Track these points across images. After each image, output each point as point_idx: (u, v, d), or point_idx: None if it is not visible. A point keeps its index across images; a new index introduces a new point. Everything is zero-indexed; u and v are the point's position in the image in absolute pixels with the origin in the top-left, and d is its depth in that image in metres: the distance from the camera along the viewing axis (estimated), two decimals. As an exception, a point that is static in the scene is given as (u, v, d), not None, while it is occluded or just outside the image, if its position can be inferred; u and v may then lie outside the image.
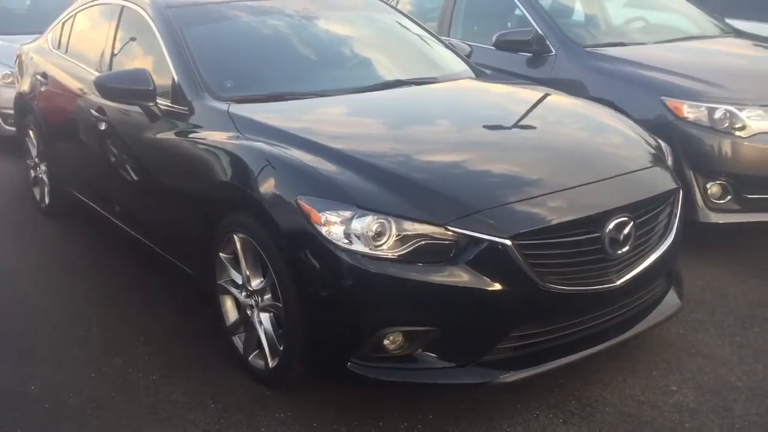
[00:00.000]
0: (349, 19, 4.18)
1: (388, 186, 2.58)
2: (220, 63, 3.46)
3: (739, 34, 5.36)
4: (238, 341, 3.01)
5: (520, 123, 3.33)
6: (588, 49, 4.78)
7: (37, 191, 5.05)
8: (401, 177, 2.63)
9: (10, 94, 6.08)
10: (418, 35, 4.18)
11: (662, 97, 4.11)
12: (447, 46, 4.19)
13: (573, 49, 4.79)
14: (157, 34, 3.54)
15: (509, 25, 5.53)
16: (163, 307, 3.59)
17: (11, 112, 5.98)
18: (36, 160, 4.97)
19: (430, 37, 4.24)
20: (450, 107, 3.47)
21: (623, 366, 2.98)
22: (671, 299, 3.04)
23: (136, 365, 3.08)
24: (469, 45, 4.43)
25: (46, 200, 4.89)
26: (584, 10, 5.70)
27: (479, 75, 3.92)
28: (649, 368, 2.98)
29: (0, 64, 6.61)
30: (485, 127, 3.24)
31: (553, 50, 4.84)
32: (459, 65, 3.99)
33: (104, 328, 3.41)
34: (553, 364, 2.64)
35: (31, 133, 4.98)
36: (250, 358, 2.93)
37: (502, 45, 5.03)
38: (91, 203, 4.26)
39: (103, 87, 3.39)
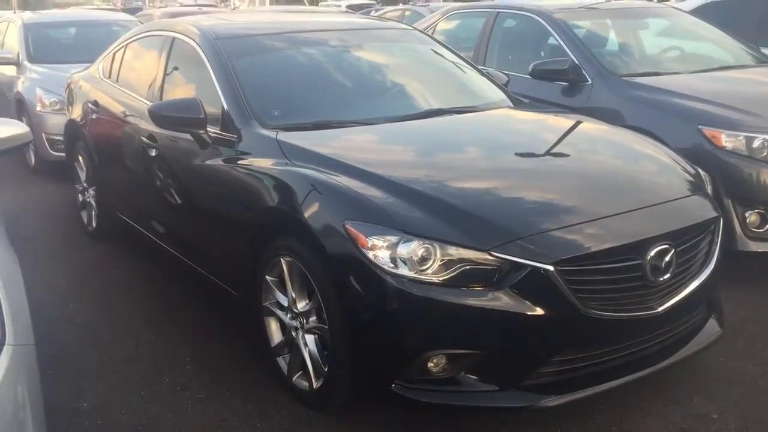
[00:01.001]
0: (390, 49, 4.29)
1: (433, 212, 2.65)
2: (267, 92, 3.58)
3: (776, 63, 5.37)
4: (282, 362, 3.08)
5: (561, 151, 3.39)
6: (624, 78, 4.84)
7: (84, 215, 5.22)
8: (445, 203, 2.70)
9: (57, 121, 6.31)
10: (456, 65, 4.28)
11: (700, 126, 4.14)
12: (485, 75, 4.28)
13: (609, 79, 4.85)
14: (208, 64, 3.68)
15: (543, 54, 5.61)
16: (208, 328, 3.68)
17: (58, 138, 6.20)
18: (84, 184, 5.14)
19: (468, 66, 4.34)
20: (490, 136, 3.55)
21: (663, 393, 2.99)
22: (711, 327, 3.06)
23: (184, 384, 3.16)
24: (505, 74, 4.51)
25: (94, 224, 5.05)
26: (618, 39, 5.76)
27: (517, 104, 3.99)
28: (689, 396, 2.99)
29: (48, 91, 6.87)
30: (525, 154, 3.31)
31: (589, 79, 4.91)
32: (497, 94, 4.07)
33: (151, 347, 3.51)
34: (595, 389, 2.67)
35: (80, 158, 5.16)
36: (294, 379, 3.00)
37: (538, 74, 5.11)
38: (138, 226, 4.39)
39: (156, 115, 3.53)
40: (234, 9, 22.49)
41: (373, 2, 21.61)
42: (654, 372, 2.80)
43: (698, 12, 6.52)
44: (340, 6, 19.58)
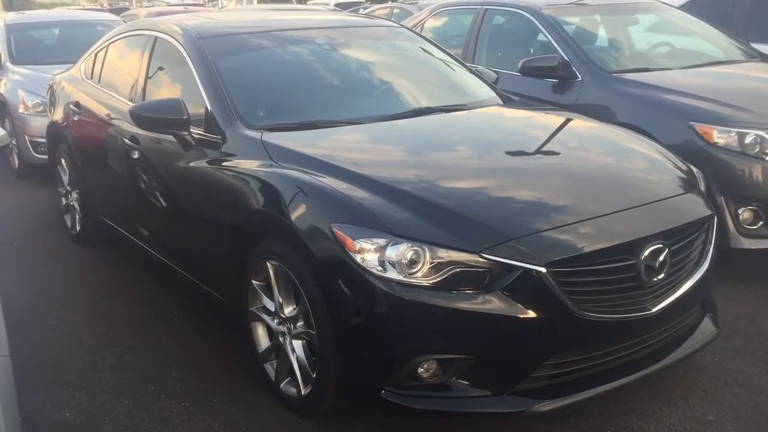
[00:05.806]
0: (378, 47, 4.22)
1: (422, 213, 2.58)
2: (252, 92, 3.51)
3: (765, 58, 5.34)
4: (269, 368, 3.01)
5: (551, 149, 3.34)
6: (614, 74, 4.79)
7: (68, 218, 5.12)
8: (434, 204, 2.64)
9: (40, 123, 6.21)
10: (445, 62, 4.22)
11: (691, 123, 4.09)
12: (474, 73, 4.22)
13: (599, 75, 4.80)
14: (191, 64, 3.59)
15: (532, 51, 5.56)
16: (195, 334, 3.61)
17: (42, 140, 6.10)
18: (68, 187, 5.04)
19: (457, 64, 4.28)
20: (479, 134, 3.49)
21: (658, 394, 2.94)
22: (707, 327, 3.01)
23: (169, 392, 3.09)
24: (495, 71, 4.45)
25: (77, 227, 4.96)
26: (608, 35, 5.71)
27: (507, 101, 3.93)
28: (685, 397, 2.94)
29: (31, 93, 6.76)
30: (515, 153, 3.25)
31: (579, 76, 4.86)
32: (486, 92, 4.01)
33: (136, 355, 3.43)
34: (589, 392, 2.61)
35: (63, 161, 5.07)
36: (281, 386, 2.93)
37: (528, 71, 5.06)
38: (122, 230, 4.31)
39: (138, 116, 3.45)
40: (222, 8, 22.38)
41: (361, 0, 21.53)
42: (649, 374, 2.74)
43: (688, 7, 6.47)
44: (328, 4, 19.50)
